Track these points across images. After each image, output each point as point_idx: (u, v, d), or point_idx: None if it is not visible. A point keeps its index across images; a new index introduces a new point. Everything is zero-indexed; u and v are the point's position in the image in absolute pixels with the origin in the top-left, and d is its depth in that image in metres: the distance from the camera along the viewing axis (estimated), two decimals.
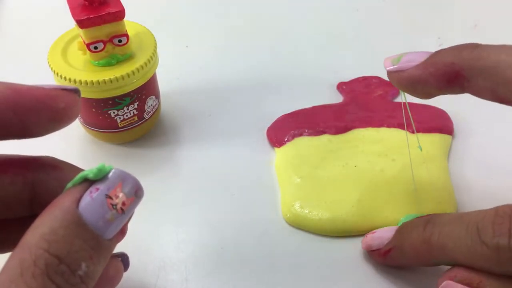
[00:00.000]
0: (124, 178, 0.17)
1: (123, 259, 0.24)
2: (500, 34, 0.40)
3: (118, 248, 0.23)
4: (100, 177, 0.17)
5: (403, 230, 0.25)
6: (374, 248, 0.27)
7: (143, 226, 0.30)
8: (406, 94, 0.25)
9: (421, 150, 0.31)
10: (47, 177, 0.19)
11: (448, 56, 0.23)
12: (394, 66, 0.24)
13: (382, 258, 0.26)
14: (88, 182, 0.17)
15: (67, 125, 0.18)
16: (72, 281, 0.15)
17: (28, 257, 0.15)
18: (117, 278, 0.23)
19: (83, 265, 0.15)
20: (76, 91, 0.18)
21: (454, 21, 0.48)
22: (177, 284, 0.27)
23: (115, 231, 0.17)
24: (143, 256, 0.28)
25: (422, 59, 0.24)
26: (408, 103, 0.37)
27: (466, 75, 0.22)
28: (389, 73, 0.25)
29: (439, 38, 0.44)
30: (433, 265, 0.24)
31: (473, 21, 0.46)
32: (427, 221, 0.24)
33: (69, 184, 0.17)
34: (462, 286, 0.22)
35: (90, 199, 0.16)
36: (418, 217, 0.25)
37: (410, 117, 0.29)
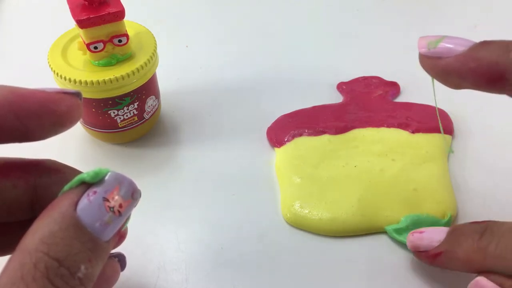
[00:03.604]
0: (121, 180, 0.17)
1: (120, 259, 0.24)
2: (500, 34, 0.40)
3: (119, 247, 0.23)
4: (97, 180, 0.17)
5: (456, 234, 0.24)
6: (421, 249, 0.25)
7: (143, 226, 0.30)
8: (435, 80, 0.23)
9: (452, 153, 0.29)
10: (49, 180, 0.19)
11: (493, 54, 0.20)
12: (429, 51, 0.22)
13: (430, 260, 0.25)
14: (85, 185, 0.17)
15: (69, 128, 0.18)
16: (72, 283, 0.15)
17: (28, 260, 0.15)
18: (114, 278, 0.23)
19: (82, 267, 0.16)
20: (78, 95, 0.18)
21: (454, 21, 0.48)
22: (177, 284, 0.27)
23: (112, 233, 0.17)
24: (143, 256, 0.28)
25: (462, 48, 0.21)
26: (408, 103, 0.37)
27: (510, 78, 0.20)
28: (422, 57, 0.23)
29: None
30: (484, 272, 0.23)
31: (473, 21, 0.46)
32: (483, 228, 0.23)
33: (66, 187, 0.17)
34: (493, 284, 0.21)
35: (87, 202, 0.16)
36: (473, 222, 0.24)
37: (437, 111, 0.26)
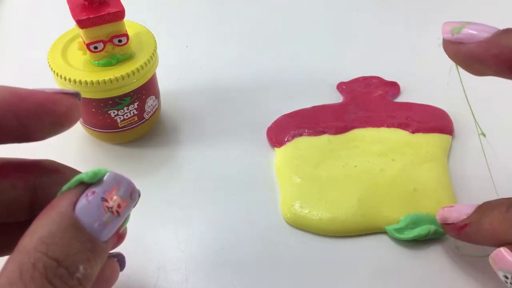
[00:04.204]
0: (119, 181, 0.17)
1: (119, 259, 0.24)
2: None
3: (119, 247, 0.23)
4: (96, 180, 0.17)
5: (484, 207, 0.25)
6: (450, 221, 0.26)
7: (143, 226, 0.30)
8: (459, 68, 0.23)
9: (484, 136, 0.29)
10: (48, 181, 0.19)
11: None
12: (453, 36, 0.22)
13: (457, 232, 0.26)
14: (84, 185, 0.17)
15: (68, 128, 0.18)
16: (71, 283, 0.15)
17: (27, 260, 0.15)
18: (113, 278, 0.23)
19: (81, 268, 0.16)
20: (77, 95, 0.18)
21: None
22: (177, 284, 0.27)
23: (111, 233, 0.17)
24: (143, 256, 0.28)
25: (486, 34, 0.21)
26: (408, 103, 0.37)
27: None
28: (446, 42, 0.23)
29: (438, 38, 0.44)
30: (509, 244, 0.23)
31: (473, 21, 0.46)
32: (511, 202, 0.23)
33: (65, 187, 0.17)
34: None
35: (86, 202, 0.16)
36: (503, 198, 0.24)
37: (466, 97, 0.27)
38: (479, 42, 0.21)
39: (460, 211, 0.26)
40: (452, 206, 0.27)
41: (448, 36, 0.23)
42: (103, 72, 0.30)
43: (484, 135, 0.29)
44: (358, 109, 0.36)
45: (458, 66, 0.23)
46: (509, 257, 0.22)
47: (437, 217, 0.27)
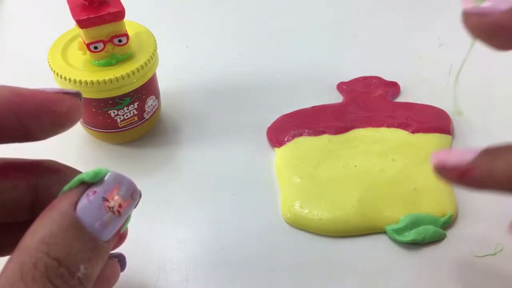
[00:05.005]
0: (120, 181, 0.17)
1: (120, 259, 0.24)
2: None
3: (119, 248, 0.23)
4: (97, 180, 0.17)
5: (495, 148, 0.21)
6: (450, 165, 0.22)
7: (143, 226, 0.30)
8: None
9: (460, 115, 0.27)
10: (49, 181, 0.19)
11: None
12: (475, 7, 0.20)
13: (459, 177, 0.21)
14: (85, 185, 0.17)
15: (69, 128, 0.18)
16: (71, 283, 0.15)
17: (28, 260, 0.15)
18: (114, 278, 0.23)
19: (82, 267, 0.16)
20: (78, 95, 0.18)
21: (454, 21, 0.48)
22: (177, 284, 0.27)
23: (112, 233, 0.17)
24: (143, 256, 0.28)
25: (509, 4, 0.20)
26: (408, 103, 0.37)
27: None
28: (467, 15, 0.21)
29: (439, 38, 0.44)
30: None
31: None
32: None
33: (66, 187, 0.17)
34: None
35: (87, 202, 0.16)
36: None
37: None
38: (506, 10, 0.20)
39: (461, 154, 0.22)
40: (449, 150, 0.23)
41: (469, 8, 0.20)
42: (103, 72, 0.30)
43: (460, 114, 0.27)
44: (358, 109, 0.36)
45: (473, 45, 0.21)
46: None
47: (433, 161, 0.23)
